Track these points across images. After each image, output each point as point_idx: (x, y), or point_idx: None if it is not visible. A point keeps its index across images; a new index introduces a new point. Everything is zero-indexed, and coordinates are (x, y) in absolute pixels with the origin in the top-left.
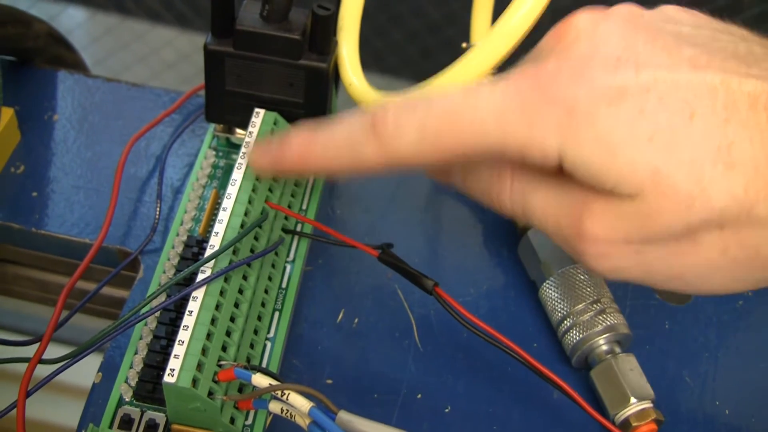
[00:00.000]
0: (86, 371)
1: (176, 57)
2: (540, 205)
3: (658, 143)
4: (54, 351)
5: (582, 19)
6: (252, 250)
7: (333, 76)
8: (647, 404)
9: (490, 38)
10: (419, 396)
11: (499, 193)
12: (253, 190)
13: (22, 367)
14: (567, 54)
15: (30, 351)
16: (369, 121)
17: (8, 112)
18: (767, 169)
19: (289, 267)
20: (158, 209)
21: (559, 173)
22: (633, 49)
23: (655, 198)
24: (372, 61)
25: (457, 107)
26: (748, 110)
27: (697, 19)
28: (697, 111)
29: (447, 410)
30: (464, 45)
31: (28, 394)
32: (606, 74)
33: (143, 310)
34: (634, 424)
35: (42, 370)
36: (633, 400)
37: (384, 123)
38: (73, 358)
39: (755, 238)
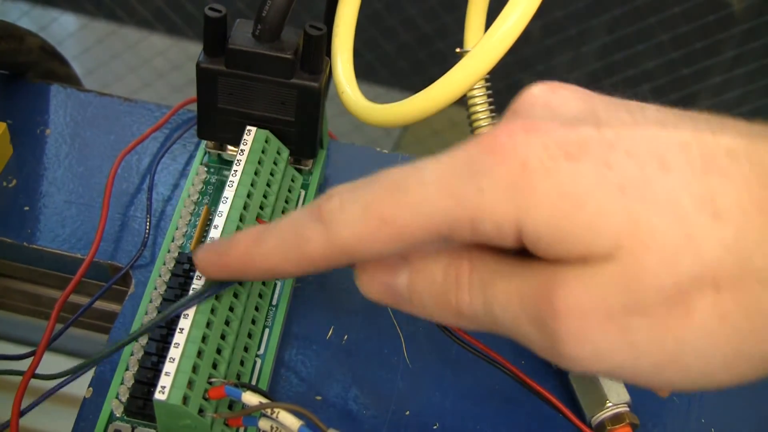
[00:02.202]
0: (79, 380)
1: (168, 66)
2: (503, 290)
3: (631, 193)
4: (47, 360)
5: (537, 88)
6: None
7: (325, 95)
8: (623, 408)
9: (482, 46)
10: (407, 413)
11: (457, 292)
12: (245, 208)
13: (16, 377)
14: (522, 116)
15: (24, 363)
16: (315, 208)
17: (1, 126)
18: (759, 218)
19: (279, 284)
20: (148, 224)
21: (520, 256)
22: (592, 111)
23: (637, 253)
24: (363, 73)
25: (400, 181)
26: (728, 161)
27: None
28: (672, 164)
29: (435, 427)
30: (458, 50)
31: (21, 413)
32: (563, 128)
33: (134, 328)
34: (609, 427)
35: (36, 381)
36: (609, 403)
37: (329, 206)
38: (64, 378)
39: (758, 298)
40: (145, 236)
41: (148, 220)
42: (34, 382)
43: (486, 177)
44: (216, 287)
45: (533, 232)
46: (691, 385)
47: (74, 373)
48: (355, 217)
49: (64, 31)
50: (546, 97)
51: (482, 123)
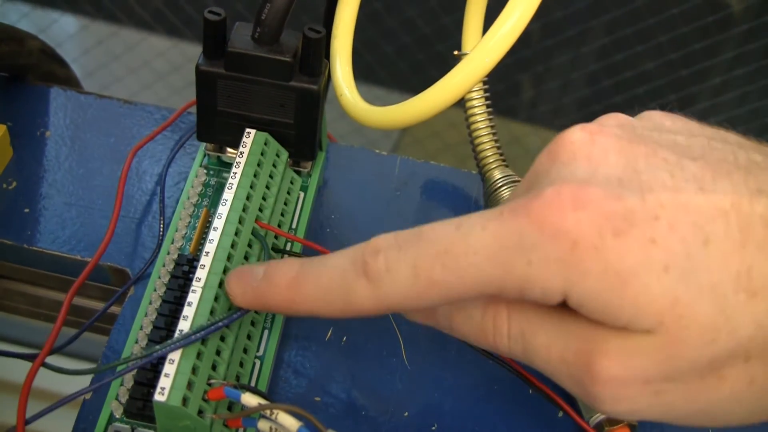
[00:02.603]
0: (80, 381)
1: (168, 68)
2: (543, 344)
3: (674, 272)
4: (48, 361)
5: (576, 135)
6: None
7: (324, 98)
8: None
9: (479, 49)
10: (406, 414)
11: (495, 335)
12: (244, 210)
13: (21, 378)
14: (564, 177)
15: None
16: (360, 263)
17: (1, 129)
18: None
19: None
20: (161, 227)
21: (562, 308)
22: (634, 167)
23: (677, 331)
24: (362, 74)
25: (448, 247)
26: (764, 232)
27: (687, 126)
28: (711, 237)
29: (434, 428)
30: (456, 53)
31: (28, 422)
32: (610, 200)
33: (133, 330)
34: (607, 428)
35: (40, 385)
36: None
37: (376, 265)
38: (81, 389)
39: None
40: (159, 239)
41: (162, 222)
42: (38, 387)
43: (535, 252)
44: (237, 314)
45: (579, 300)
46: (713, 426)
47: (94, 373)
48: (403, 279)
49: (63, 32)
50: (586, 148)
51: (480, 125)
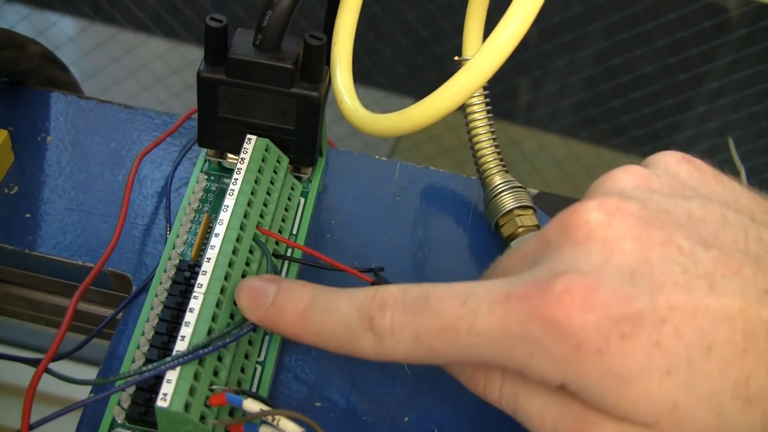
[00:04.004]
0: (81, 387)
1: (167, 71)
2: (536, 410)
3: (675, 377)
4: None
5: (593, 214)
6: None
7: (324, 104)
8: None
9: (481, 55)
10: (406, 419)
11: (486, 390)
12: (245, 216)
13: (21, 382)
14: (576, 264)
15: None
16: (366, 317)
17: (2, 134)
18: None
19: None
20: (168, 233)
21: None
22: (647, 258)
23: (673, 431)
24: (361, 77)
25: (452, 323)
26: (766, 339)
27: (702, 179)
28: (715, 343)
29: None
30: (457, 58)
31: (32, 426)
32: (619, 303)
33: (135, 335)
34: None
35: (43, 390)
36: None
37: (381, 323)
38: (87, 398)
39: None
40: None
41: (168, 229)
42: (40, 390)
43: (538, 345)
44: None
45: (577, 391)
46: None
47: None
48: (405, 343)
49: (62, 35)
50: (602, 231)
51: (481, 131)
